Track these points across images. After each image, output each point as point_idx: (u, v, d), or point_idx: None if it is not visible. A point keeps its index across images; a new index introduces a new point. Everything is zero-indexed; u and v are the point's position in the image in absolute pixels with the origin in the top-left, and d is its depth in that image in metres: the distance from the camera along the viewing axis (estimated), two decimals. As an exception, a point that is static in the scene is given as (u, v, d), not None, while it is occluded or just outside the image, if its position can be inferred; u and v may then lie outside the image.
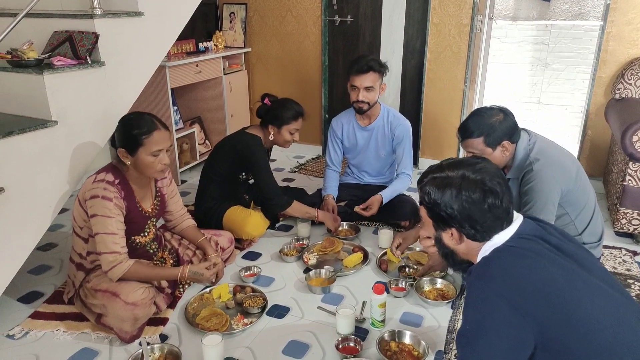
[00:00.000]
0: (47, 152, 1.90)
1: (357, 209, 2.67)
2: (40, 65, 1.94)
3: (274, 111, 2.54)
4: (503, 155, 1.90)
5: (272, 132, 2.55)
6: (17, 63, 1.93)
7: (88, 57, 2.01)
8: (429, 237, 1.34)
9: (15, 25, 1.85)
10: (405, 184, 2.76)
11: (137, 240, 1.98)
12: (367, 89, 2.57)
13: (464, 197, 1.19)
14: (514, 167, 1.94)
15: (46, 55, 2.01)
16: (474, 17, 3.25)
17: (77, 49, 2.03)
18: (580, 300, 1.08)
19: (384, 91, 2.70)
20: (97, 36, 2.04)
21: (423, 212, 1.31)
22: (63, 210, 2.01)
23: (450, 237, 1.27)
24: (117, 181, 1.85)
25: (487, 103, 3.95)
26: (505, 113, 1.89)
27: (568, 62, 4.07)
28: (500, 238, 1.21)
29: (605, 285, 1.14)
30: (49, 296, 2.14)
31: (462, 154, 3.55)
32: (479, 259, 1.23)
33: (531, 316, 1.06)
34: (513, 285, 1.09)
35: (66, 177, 1.98)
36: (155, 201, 2.05)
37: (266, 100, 2.59)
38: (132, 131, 1.81)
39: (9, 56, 1.95)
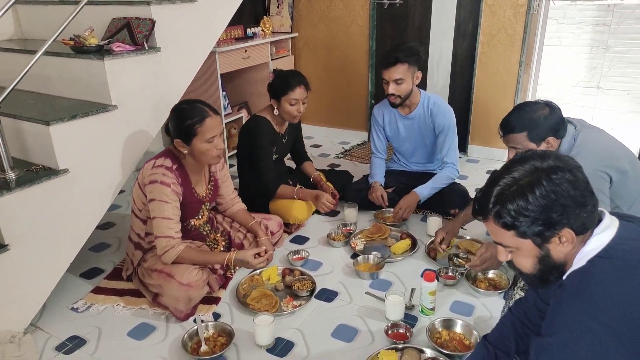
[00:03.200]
0: (108, 135, 1.97)
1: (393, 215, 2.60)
2: (101, 51, 2.01)
3: (272, 85, 2.52)
4: None
5: (275, 107, 2.53)
6: (80, 49, 2.01)
7: (145, 43, 2.07)
8: (511, 252, 1.15)
9: (77, 12, 1.91)
10: (448, 176, 2.62)
11: (192, 223, 2.04)
12: (397, 81, 2.48)
13: (557, 181, 1.03)
14: None
15: (106, 41, 2.08)
16: (531, -3, 3.11)
17: (135, 35, 2.09)
18: None
19: (419, 80, 2.56)
20: (153, 22, 2.09)
21: (511, 237, 1.10)
22: (121, 192, 2.10)
23: (560, 245, 1.08)
24: (174, 167, 1.90)
25: (541, 88, 3.81)
26: (551, 107, 1.82)
27: (632, 44, 3.83)
28: (596, 244, 1.07)
29: None
30: (109, 273, 2.24)
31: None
32: (574, 264, 1.09)
33: (632, 343, 0.96)
34: (614, 310, 0.97)
35: (125, 159, 2.06)
36: (209, 186, 2.10)
37: (271, 75, 2.56)
38: (185, 122, 1.84)
39: (72, 42, 2.03)
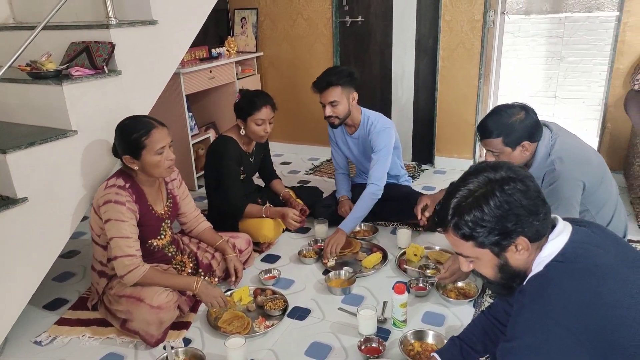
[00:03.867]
0: (68, 161, 1.93)
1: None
2: (59, 76, 1.97)
3: (238, 105, 2.53)
4: (523, 155, 1.87)
5: (242, 127, 2.54)
6: (37, 75, 1.97)
7: (105, 67, 2.05)
8: (472, 261, 1.18)
9: (33, 37, 1.89)
10: (370, 198, 2.51)
11: (155, 244, 2.01)
12: (332, 104, 2.52)
13: (510, 192, 1.06)
14: (535, 165, 1.89)
15: (64, 66, 2.05)
16: (486, 12, 3.23)
17: (94, 59, 2.07)
18: None
19: (355, 100, 2.59)
20: (113, 46, 2.07)
21: (470, 248, 1.13)
22: (84, 218, 2.05)
23: (516, 253, 1.11)
24: (127, 185, 1.88)
25: (502, 99, 3.94)
26: (526, 111, 1.84)
27: (584, 54, 4.02)
28: (552, 249, 1.10)
29: None
30: (74, 303, 2.17)
31: (479, 150, 3.52)
32: (533, 269, 1.12)
33: (592, 344, 0.99)
34: (574, 313, 1.00)
35: (86, 185, 2.01)
36: (167, 203, 2.07)
37: (237, 95, 2.57)
38: (131, 136, 1.83)
39: (29, 68, 1.99)
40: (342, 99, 2.53)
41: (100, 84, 2.03)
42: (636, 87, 2.91)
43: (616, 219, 1.98)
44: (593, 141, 3.37)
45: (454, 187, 1.16)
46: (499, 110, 1.89)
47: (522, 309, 1.10)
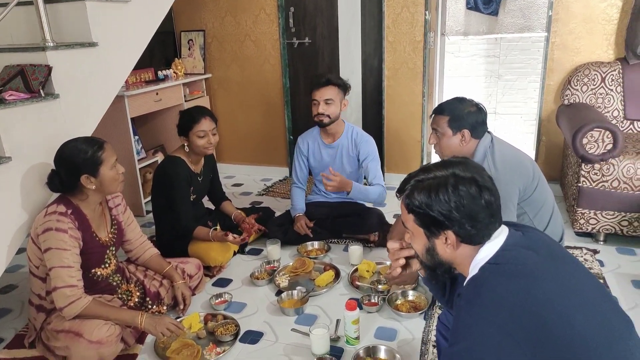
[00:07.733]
0: (1, 189, 1.83)
1: (322, 174, 2.59)
2: (-9, 101, 1.88)
3: (179, 124, 2.52)
4: (461, 144, 2.01)
5: (186, 144, 2.52)
6: (-34, 100, 1.87)
7: (41, 90, 1.97)
8: (410, 234, 1.26)
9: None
10: (378, 191, 2.70)
11: (98, 273, 1.92)
12: (327, 101, 2.63)
13: (461, 193, 1.13)
14: None
15: (-4, 90, 1.96)
16: (426, 34, 3.37)
17: (30, 82, 1.99)
18: (576, 319, 1.03)
19: (346, 107, 2.75)
20: (50, 68, 2.00)
21: (410, 221, 1.22)
22: (22, 250, 1.93)
23: (444, 244, 1.19)
24: (69, 211, 1.80)
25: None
26: (479, 108, 2.02)
27: (519, 72, 4.24)
28: (487, 252, 1.15)
29: (594, 291, 1.12)
30: (9, 341, 2.04)
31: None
32: (470, 273, 1.17)
33: (525, 342, 1.02)
34: (506, 312, 1.04)
35: (22, 215, 1.91)
36: (111, 229, 2.00)
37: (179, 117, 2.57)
38: (87, 154, 1.78)
39: (-43, 93, 1.89)
40: (337, 100, 2.66)
41: (36, 108, 1.95)
42: (566, 101, 3.11)
43: (553, 223, 2.10)
44: (530, 153, 3.55)
45: (428, 166, 1.23)
46: (458, 98, 2.08)
47: (460, 312, 1.13)
